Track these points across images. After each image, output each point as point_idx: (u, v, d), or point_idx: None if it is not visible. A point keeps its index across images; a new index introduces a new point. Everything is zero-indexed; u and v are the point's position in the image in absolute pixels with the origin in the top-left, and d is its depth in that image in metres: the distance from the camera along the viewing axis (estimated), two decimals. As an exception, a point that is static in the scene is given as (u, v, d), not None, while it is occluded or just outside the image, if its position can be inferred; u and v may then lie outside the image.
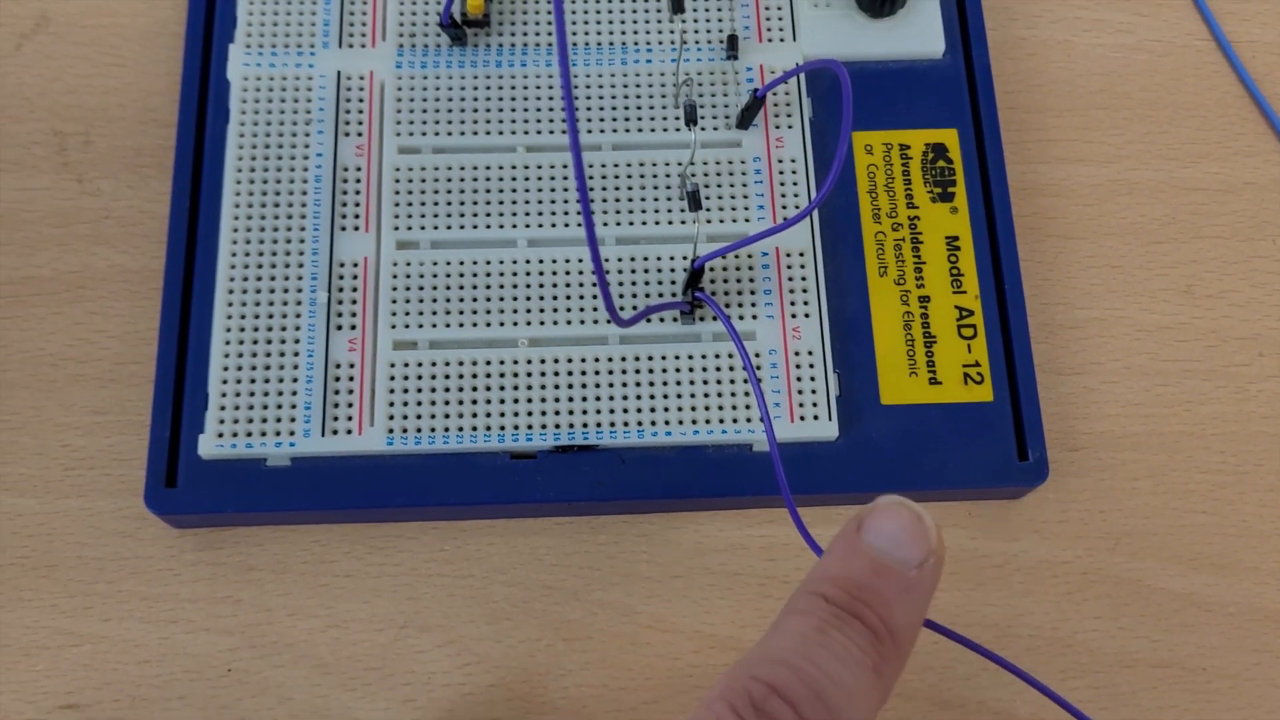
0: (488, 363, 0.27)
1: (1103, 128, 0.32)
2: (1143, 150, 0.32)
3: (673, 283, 0.28)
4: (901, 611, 0.19)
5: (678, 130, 0.29)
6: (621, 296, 0.28)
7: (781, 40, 0.30)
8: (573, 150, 0.20)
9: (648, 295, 0.28)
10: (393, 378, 0.27)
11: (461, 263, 0.28)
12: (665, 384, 0.27)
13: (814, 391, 0.28)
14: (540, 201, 0.29)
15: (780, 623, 0.19)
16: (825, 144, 0.30)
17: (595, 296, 0.28)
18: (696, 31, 0.30)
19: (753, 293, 0.28)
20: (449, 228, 0.28)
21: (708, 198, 0.29)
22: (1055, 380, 0.30)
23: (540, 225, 0.28)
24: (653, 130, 0.29)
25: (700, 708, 0.18)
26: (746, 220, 0.29)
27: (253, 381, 0.27)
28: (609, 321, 0.28)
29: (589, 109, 0.30)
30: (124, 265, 0.29)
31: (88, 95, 0.31)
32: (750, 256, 0.28)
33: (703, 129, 0.29)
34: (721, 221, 0.29)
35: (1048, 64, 0.33)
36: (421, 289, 0.28)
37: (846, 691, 0.18)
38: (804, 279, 0.28)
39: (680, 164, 0.29)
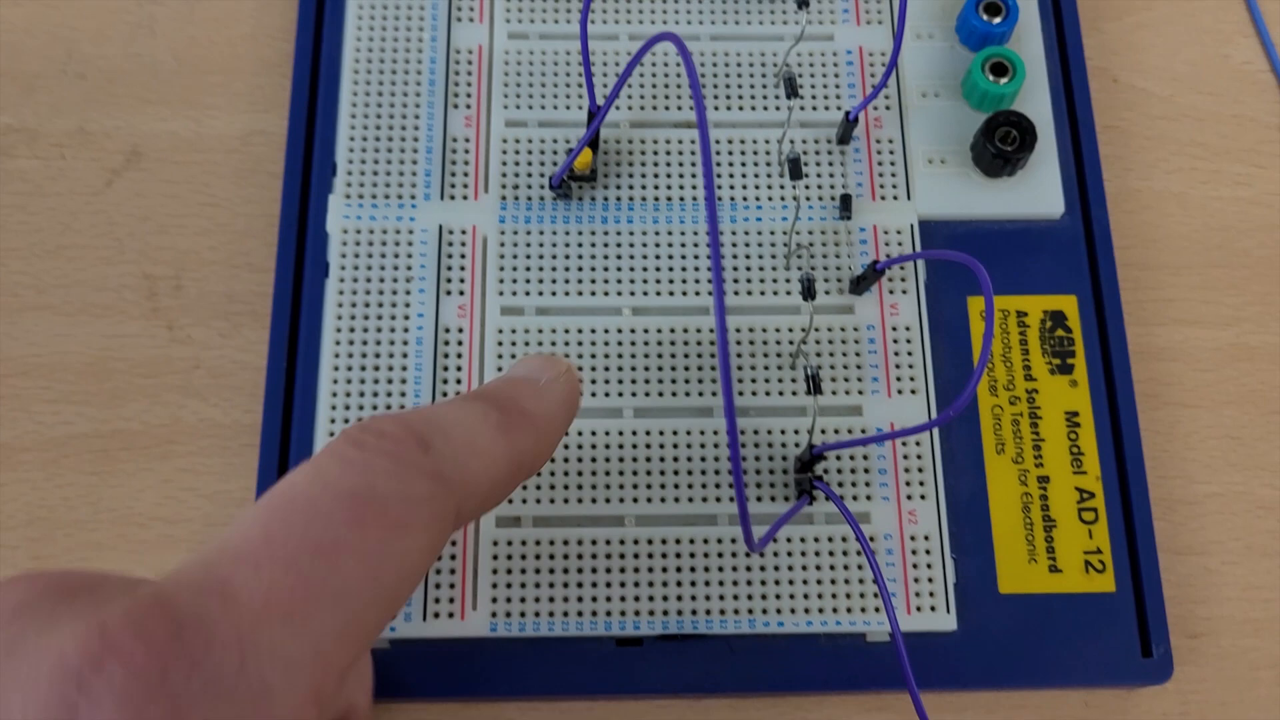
0: (593, 542, 0.26)
1: (1220, 287, 0.31)
2: (1262, 312, 0.31)
3: (784, 458, 0.27)
4: (531, 402, 0.21)
5: (788, 294, 0.28)
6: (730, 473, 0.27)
7: (895, 198, 0.29)
8: (720, 340, 0.19)
9: (757, 472, 0.27)
10: (495, 557, 0.26)
11: (565, 433, 0.27)
12: (777, 568, 0.26)
13: (930, 580, 0.26)
14: (646, 369, 0.28)
15: None
16: (940, 309, 0.29)
17: (704, 473, 0.27)
18: (807, 187, 0.29)
19: (867, 471, 0.27)
20: (553, 395, 0.27)
21: (819, 368, 0.28)
22: (1173, 560, 0.29)
23: (646, 395, 0.28)
24: (763, 294, 0.28)
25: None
26: (860, 392, 0.28)
27: (352, 559, 0.26)
28: (718, 500, 0.27)
29: (696, 269, 0.29)
30: (215, 419, 0.29)
31: (179, 236, 0.30)
32: (864, 432, 0.28)
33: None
34: (834, 394, 0.28)
35: (1163, 217, 0.32)
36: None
37: (461, 426, 0.19)
38: (920, 457, 0.27)
39: (791, 330, 0.28)
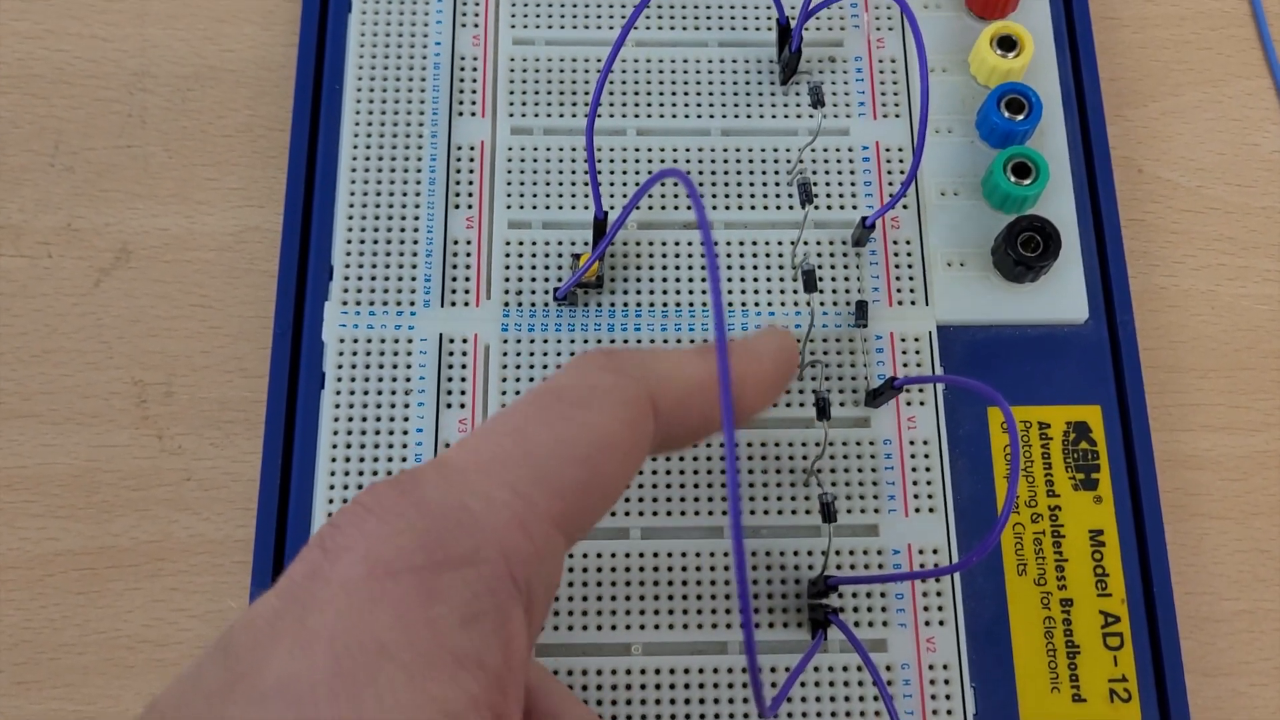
0: (599, 672, 0.25)
1: (1249, 391, 0.30)
2: (1292, 417, 0.30)
3: (796, 581, 0.26)
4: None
5: (802, 406, 0.27)
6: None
7: (913, 304, 0.28)
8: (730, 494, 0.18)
9: (769, 596, 0.26)
10: (497, 689, 0.25)
11: (570, 554, 0.26)
12: (789, 700, 0.25)
13: (950, 712, 0.25)
14: (654, 486, 0.27)
15: None
16: (960, 421, 0.28)
17: (714, 597, 0.26)
18: (821, 292, 0.28)
19: (883, 595, 0.26)
20: (557, 515, 0.26)
21: (834, 484, 0.27)
22: (1201, 682, 0.28)
23: (654, 514, 0.26)
24: (774, 405, 0.27)
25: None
26: (876, 511, 0.27)
27: (348, 693, 0.25)
28: (729, 626, 0.26)
29: (707, 379, 0.28)
30: (206, 535, 0.27)
31: (170, 339, 0.29)
32: (880, 554, 0.26)
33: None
34: (849, 512, 0.27)
35: (1190, 317, 0.30)
36: (528, 586, 0.26)
37: (648, 349, 0.20)
38: (938, 580, 0.26)
39: (805, 445, 0.27)
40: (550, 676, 0.21)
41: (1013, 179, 0.28)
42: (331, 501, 0.26)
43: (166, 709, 0.15)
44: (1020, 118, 0.29)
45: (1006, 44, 0.29)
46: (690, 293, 0.28)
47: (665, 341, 0.28)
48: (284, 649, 0.15)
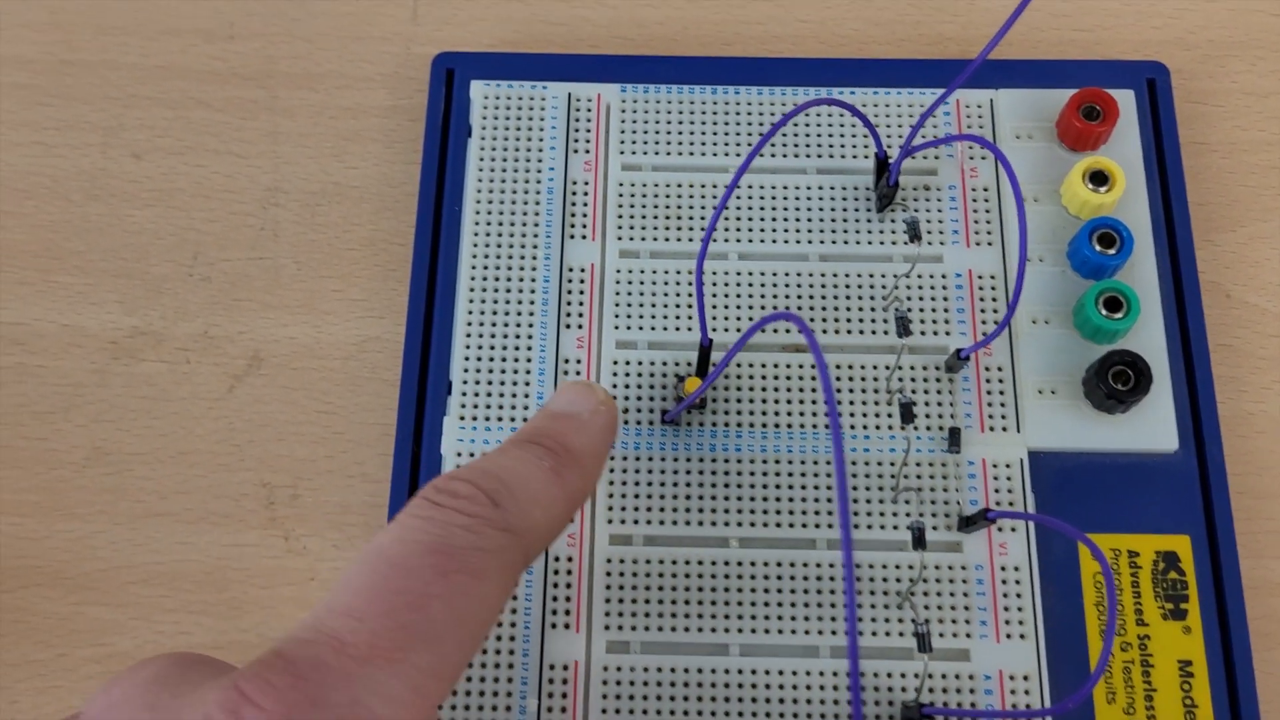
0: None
1: (1337, 519, 0.30)
2: (1381, 547, 0.30)
3: (890, 703, 0.27)
4: (576, 439, 0.22)
5: (895, 529, 0.28)
6: (836, 718, 0.27)
7: (1004, 430, 0.29)
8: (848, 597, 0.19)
9: (863, 717, 0.27)
10: (601, 799, 0.26)
11: (673, 669, 0.27)
12: (881, 820, 0.26)
13: (1039, 839, 0.26)
14: (754, 604, 0.28)
15: None
16: (1051, 549, 0.28)
17: (810, 716, 0.27)
18: (915, 417, 0.29)
19: (975, 719, 0.27)
20: (659, 629, 0.28)
21: (926, 607, 0.28)
22: (1287, 812, 0.28)
23: (754, 630, 0.28)
24: (869, 527, 0.29)
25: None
26: (968, 635, 0.28)
27: (461, 797, 0.26)
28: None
29: (804, 499, 0.29)
30: (327, 633, 0.29)
31: (297, 444, 0.31)
32: (972, 679, 0.27)
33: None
34: (941, 635, 0.28)
35: (1278, 443, 0.31)
36: (632, 698, 0.27)
37: (522, 478, 0.20)
38: (1029, 706, 0.27)
39: (898, 568, 0.28)
40: None
41: (1104, 313, 0.29)
42: (447, 609, 0.28)
43: None
44: (1112, 252, 0.30)
45: (1098, 179, 0.30)
46: (789, 414, 0.29)
47: (765, 463, 0.29)
48: None
